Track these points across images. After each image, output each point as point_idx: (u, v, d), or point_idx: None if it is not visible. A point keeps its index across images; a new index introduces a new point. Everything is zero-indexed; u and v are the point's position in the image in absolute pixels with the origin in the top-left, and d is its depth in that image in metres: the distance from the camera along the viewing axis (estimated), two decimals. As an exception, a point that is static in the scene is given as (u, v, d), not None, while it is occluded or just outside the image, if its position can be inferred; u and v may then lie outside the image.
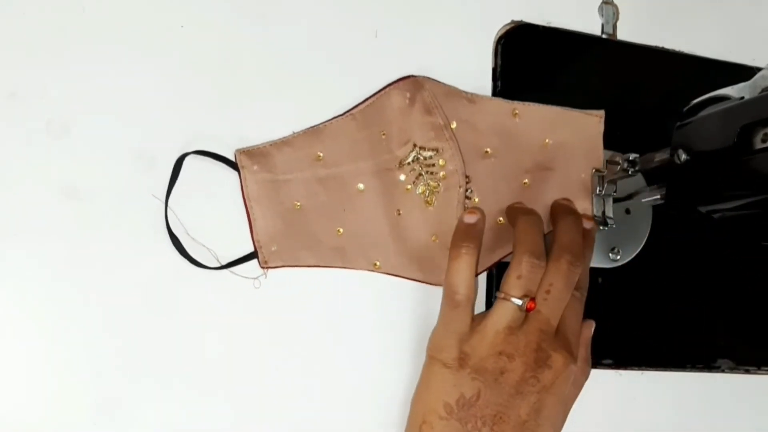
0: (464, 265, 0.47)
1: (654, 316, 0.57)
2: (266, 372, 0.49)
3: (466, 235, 0.48)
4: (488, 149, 0.52)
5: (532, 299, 0.46)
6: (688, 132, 0.46)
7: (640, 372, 0.57)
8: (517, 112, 0.52)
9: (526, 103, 0.52)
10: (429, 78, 0.51)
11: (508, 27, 0.55)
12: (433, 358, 0.47)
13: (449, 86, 0.51)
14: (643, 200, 0.52)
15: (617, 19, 0.58)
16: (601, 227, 0.53)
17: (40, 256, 0.46)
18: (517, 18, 0.55)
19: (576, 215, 0.51)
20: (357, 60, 0.52)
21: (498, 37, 0.55)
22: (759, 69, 0.49)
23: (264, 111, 0.50)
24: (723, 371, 0.59)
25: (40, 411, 0.45)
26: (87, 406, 0.46)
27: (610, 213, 0.53)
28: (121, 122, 0.48)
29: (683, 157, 0.45)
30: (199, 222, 0.48)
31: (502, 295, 0.46)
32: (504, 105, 0.52)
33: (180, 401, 0.47)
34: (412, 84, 0.50)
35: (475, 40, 0.55)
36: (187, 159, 0.48)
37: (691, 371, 0.58)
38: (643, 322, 0.57)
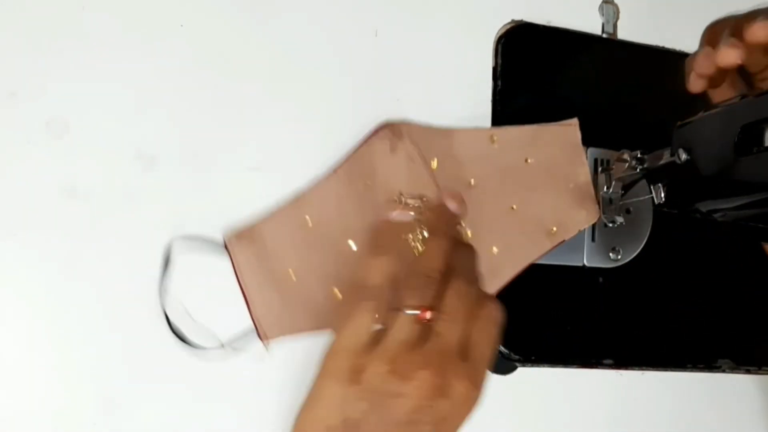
0: (383, 262, 0.45)
1: (654, 316, 0.57)
2: (266, 369, 0.49)
3: (385, 236, 0.47)
4: (472, 180, 0.51)
5: (425, 308, 0.43)
6: (688, 132, 0.46)
7: (640, 372, 0.57)
8: (494, 138, 0.51)
9: (503, 127, 0.52)
10: (405, 122, 0.50)
11: (508, 26, 0.55)
12: (324, 369, 0.43)
13: (425, 126, 0.51)
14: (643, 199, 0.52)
15: (618, 18, 0.58)
16: (610, 224, 0.53)
17: (40, 256, 0.46)
18: (518, 17, 0.55)
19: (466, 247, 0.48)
20: (357, 59, 0.52)
21: (498, 36, 0.55)
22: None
23: (264, 110, 0.50)
24: (723, 371, 0.59)
25: (40, 410, 0.45)
26: (87, 405, 0.46)
27: (618, 211, 0.53)
28: (121, 122, 0.48)
29: (684, 156, 0.45)
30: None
31: (398, 308, 0.43)
32: (480, 133, 0.52)
33: (180, 400, 0.47)
34: (390, 131, 0.49)
35: (475, 39, 0.55)
36: (176, 237, 0.48)
37: (691, 371, 0.58)
38: (643, 322, 0.57)
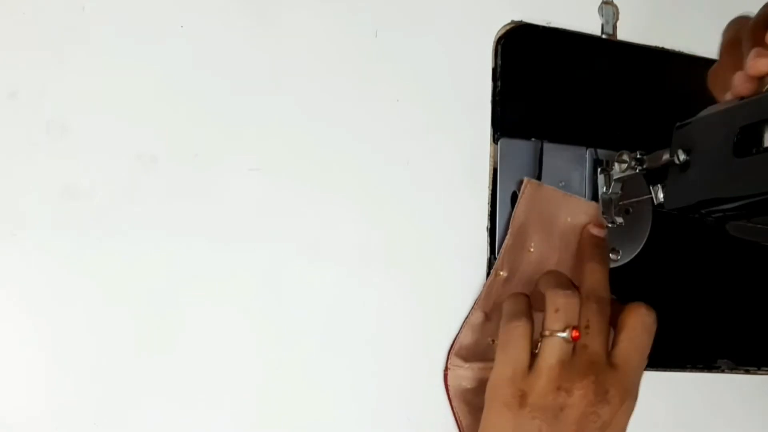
0: (523, 300, 0.49)
1: (654, 316, 0.57)
2: (269, 374, 0.49)
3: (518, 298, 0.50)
4: (532, 246, 0.54)
5: (575, 328, 0.46)
6: (687, 132, 0.46)
7: (639, 372, 0.57)
8: (501, 273, 0.53)
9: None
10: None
11: (508, 27, 0.55)
12: (491, 399, 0.47)
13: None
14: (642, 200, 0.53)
15: (617, 19, 0.58)
16: (608, 226, 0.54)
17: (40, 256, 0.46)
18: (517, 18, 0.55)
19: (598, 257, 0.51)
20: (357, 60, 0.52)
21: (498, 37, 0.55)
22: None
23: (264, 110, 0.50)
24: (723, 371, 0.59)
25: (40, 411, 0.45)
26: (87, 405, 0.46)
27: (617, 212, 0.53)
28: (121, 122, 0.48)
29: (682, 157, 0.45)
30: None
31: (547, 332, 0.46)
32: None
33: (182, 402, 0.47)
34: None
35: (475, 40, 0.55)
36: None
37: (691, 371, 0.58)
38: (642, 322, 0.57)
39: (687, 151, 0.45)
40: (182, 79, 0.49)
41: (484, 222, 0.54)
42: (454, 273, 0.53)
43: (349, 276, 0.51)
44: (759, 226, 0.46)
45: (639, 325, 0.47)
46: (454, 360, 0.52)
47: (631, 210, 0.56)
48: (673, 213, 0.49)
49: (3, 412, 0.45)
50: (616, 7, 0.58)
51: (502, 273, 0.52)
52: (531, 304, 0.49)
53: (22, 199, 0.46)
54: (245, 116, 0.50)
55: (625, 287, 0.56)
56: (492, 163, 0.54)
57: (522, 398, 0.45)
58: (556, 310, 0.46)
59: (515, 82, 0.54)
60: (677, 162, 0.45)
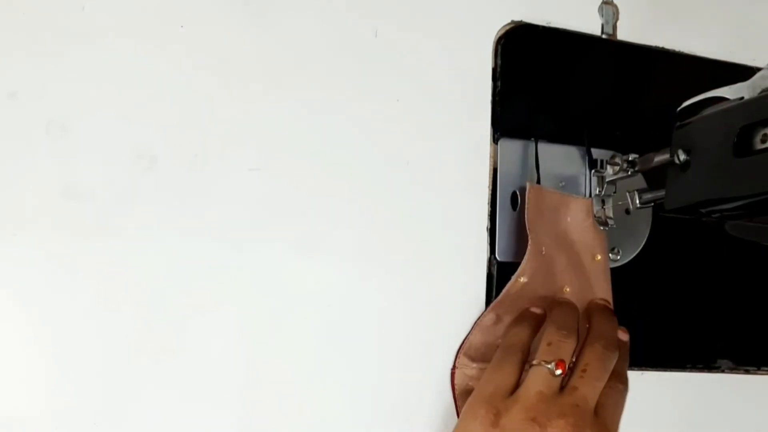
0: (527, 326, 0.50)
1: (654, 316, 0.57)
2: (271, 373, 0.49)
3: (534, 319, 0.51)
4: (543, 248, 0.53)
5: (561, 361, 0.46)
6: (687, 132, 0.46)
7: (640, 372, 0.57)
8: (521, 279, 0.52)
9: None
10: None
11: (508, 27, 0.55)
12: (467, 410, 0.47)
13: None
14: (643, 200, 0.52)
15: (617, 19, 0.58)
16: (602, 227, 0.53)
17: (40, 255, 0.46)
18: (517, 18, 0.55)
19: (611, 312, 0.52)
20: (357, 60, 0.52)
21: (498, 37, 0.55)
22: (759, 69, 0.49)
23: (264, 110, 0.50)
24: (723, 371, 0.59)
25: (40, 411, 0.45)
26: (87, 405, 0.46)
27: (610, 213, 0.53)
28: (121, 122, 0.48)
29: (682, 157, 0.45)
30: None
31: (535, 362, 0.47)
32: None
33: (182, 402, 0.47)
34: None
35: (475, 40, 0.55)
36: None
37: (691, 371, 0.58)
38: (643, 322, 0.57)
39: (687, 151, 0.45)
40: (182, 79, 0.49)
41: (484, 222, 0.54)
42: (453, 273, 0.53)
43: (349, 276, 0.51)
44: (759, 225, 0.46)
45: (619, 389, 0.49)
46: (462, 359, 0.52)
47: (631, 210, 0.56)
48: (672, 213, 0.49)
49: (3, 412, 0.45)
50: (616, 7, 0.58)
51: (522, 279, 0.52)
52: (533, 337, 0.50)
53: (22, 199, 0.46)
54: (245, 116, 0.50)
55: (625, 287, 0.56)
56: (492, 163, 0.54)
57: (496, 417, 0.46)
58: (549, 344, 0.47)
59: (515, 82, 0.54)
60: (677, 162, 0.45)
